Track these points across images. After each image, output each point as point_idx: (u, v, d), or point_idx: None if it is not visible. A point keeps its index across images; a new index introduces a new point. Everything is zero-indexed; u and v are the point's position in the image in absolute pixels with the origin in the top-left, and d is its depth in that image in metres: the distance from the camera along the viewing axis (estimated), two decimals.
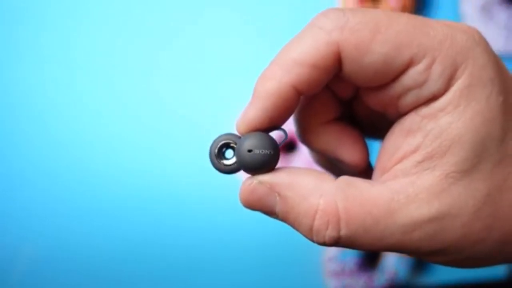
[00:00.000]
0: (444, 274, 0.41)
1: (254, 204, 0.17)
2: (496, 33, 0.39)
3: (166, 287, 0.40)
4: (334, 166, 0.20)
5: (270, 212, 0.17)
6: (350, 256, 0.39)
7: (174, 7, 0.41)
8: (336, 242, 0.16)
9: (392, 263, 0.39)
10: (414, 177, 0.16)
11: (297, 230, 0.17)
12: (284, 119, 0.17)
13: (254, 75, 0.17)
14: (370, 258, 0.40)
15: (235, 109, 0.39)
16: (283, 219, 0.17)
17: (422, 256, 0.16)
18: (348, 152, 0.19)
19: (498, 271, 0.41)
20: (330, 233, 0.16)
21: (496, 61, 0.16)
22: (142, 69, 0.40)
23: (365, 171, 0.19)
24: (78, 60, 0.40)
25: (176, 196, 0.40)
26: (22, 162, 0.40)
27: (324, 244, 0.16)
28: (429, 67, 0.15)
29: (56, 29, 0.40)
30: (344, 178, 0.16)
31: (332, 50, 0.15)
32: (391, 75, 0.16)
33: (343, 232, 0.15)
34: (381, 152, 0.17)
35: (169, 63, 0.41)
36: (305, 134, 0.19)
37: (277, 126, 0.17)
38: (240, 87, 0.38)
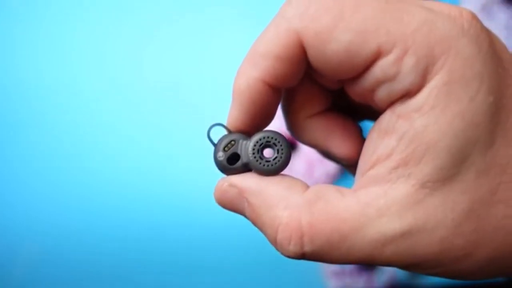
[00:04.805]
0: None
1: (226, 205, 0.17)
2: (496, 33, 0.40)
3: (166, 287, 0.40)
4: (332, 157, 0.19)
5: (242, 215, 0.17)
6: None
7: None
8: (302, 256, 0.15)
9: None
10: (386, 186, 0.14)
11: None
12: (266, 117, 0.16)
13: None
14: None
15: None
16: (253, 224, 0.16)
17: (398, 268, 0.15)
18: (338, 145, 0.18)
19: None
20: (293, 249, 0.15)
21: (492, 53, 0.14)
22: (142, 64, 0.41)
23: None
24: (75, 56, 0.40)
25: (176, 196, 0.40)
26: (21, 160, 0.40)
27: (289, 257, 0.15)
28: (400, 58, 0.13)
29: (50, 19, 0.40)
30: (315, 189, 0.15)
31: (293, 39, 0.14)
32: (359, 66, 0.14)
33: (307, 248, 0.14)
34: (362, 152, 0.16)
35: (170, 62, 0.41)
36: (293, 128, 0.18)
37: (261, 127, 0.17)
38: None
